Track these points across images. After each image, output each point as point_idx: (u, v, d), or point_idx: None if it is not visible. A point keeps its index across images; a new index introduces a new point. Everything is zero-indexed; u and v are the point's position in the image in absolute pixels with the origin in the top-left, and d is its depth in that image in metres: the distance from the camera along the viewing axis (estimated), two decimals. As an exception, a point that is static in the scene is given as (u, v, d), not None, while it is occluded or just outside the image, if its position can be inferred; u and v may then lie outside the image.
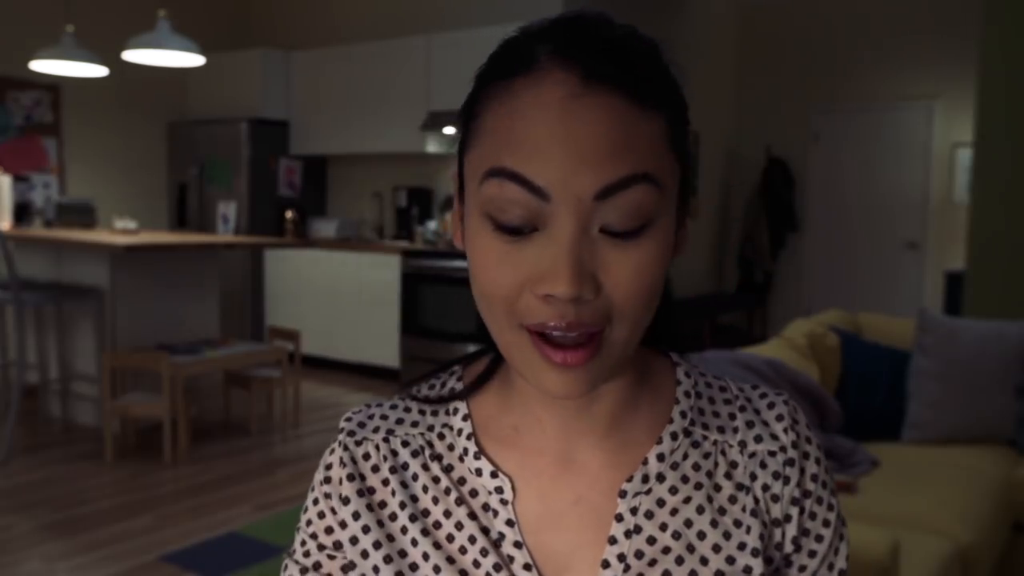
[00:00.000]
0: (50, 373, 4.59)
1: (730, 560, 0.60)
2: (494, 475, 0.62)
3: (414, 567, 0.62)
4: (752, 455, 0.63)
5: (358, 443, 0.66)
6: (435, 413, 0.67)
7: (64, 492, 3.50)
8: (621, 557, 0.60)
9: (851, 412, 2.78)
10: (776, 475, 0.62)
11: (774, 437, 0.63)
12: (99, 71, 4.72)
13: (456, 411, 0.66)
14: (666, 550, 0.60)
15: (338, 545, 0.65)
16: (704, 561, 0.60)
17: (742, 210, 7.58)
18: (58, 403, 4.55)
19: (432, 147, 5.81)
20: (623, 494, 0.61)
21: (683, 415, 0.64)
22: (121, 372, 4.12)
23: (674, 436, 0.63)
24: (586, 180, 0.51)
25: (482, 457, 0.63)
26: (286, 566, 0.68)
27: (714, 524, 0.61)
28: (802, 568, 0.64)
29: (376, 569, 0.63)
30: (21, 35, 5.48)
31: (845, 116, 7.20)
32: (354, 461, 0.65)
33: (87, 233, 4.74)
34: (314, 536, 0.66)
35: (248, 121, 6.20)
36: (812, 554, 0.64)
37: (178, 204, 6.61)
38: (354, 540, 0.64)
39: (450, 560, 0.61)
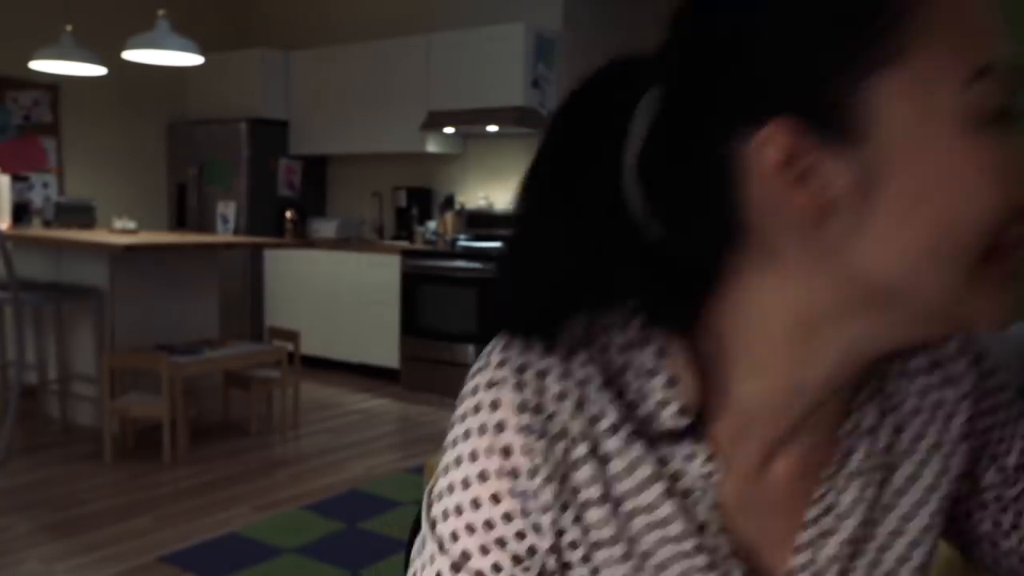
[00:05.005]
0: (49, 373, 4.59)
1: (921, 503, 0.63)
2: (710, 459, 0.55)
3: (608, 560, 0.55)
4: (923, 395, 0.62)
5: (549, 418, 0.53)
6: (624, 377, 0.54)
7: (63, 492, 3.50)
8: (812, 540, 0.58)
9: (851, 413, 2.77)
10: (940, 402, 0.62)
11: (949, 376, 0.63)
12: (99, 71, 4.72)
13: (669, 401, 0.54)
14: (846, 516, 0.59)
15: (532, 551, 0.55)
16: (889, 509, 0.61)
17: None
18: (57, 404, 4.54)
19: (432, 147, 5.80)
20: (823, 477, 0.58)
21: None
22: (120, 372, 4.11)
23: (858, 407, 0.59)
24: None
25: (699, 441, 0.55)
26: None
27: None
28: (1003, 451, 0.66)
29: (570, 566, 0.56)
30: (21, 35, 5.47)
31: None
32: (548, 447, 0.53)
33: (86, 233, 4.73)
34: (501, 544, 0.55)
35: (248, 121, 6.20)
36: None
37: (178, 204, 6.60)
38: (561, 532, 0.55)
39: (646, 555, 0.55)
